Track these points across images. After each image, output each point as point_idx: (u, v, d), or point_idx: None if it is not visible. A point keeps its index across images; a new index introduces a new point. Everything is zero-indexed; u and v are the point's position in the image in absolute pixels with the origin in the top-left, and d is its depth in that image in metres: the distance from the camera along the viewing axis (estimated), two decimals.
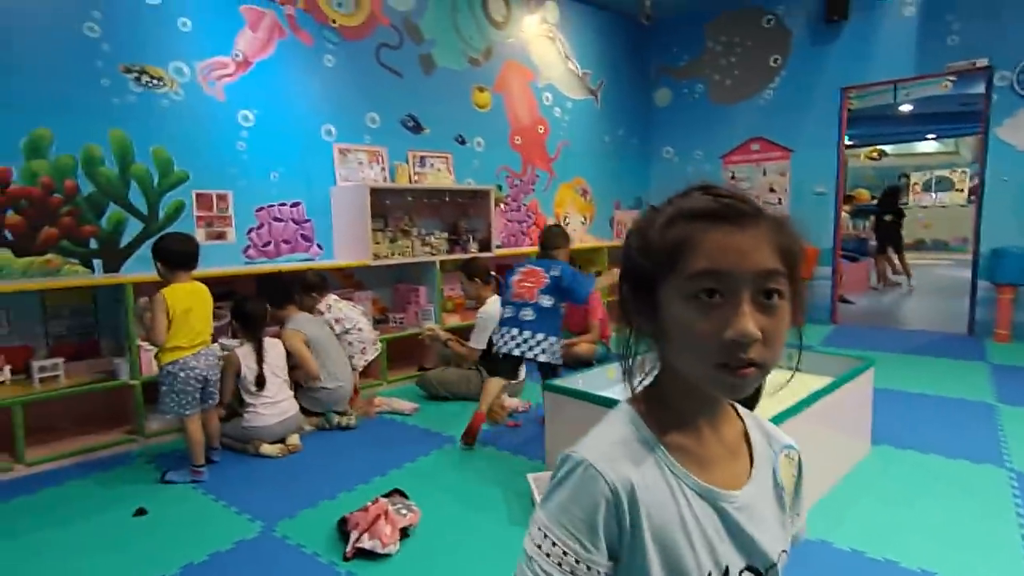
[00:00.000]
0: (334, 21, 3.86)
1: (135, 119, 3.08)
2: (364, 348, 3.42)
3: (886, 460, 2.58)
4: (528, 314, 2.88)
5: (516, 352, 2.87)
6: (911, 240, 11.84)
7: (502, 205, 5.00)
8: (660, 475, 0.59)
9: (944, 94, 8.55)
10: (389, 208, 4.17)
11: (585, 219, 5.88)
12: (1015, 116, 4.64)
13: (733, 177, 6.04)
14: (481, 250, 4.39)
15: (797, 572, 1.76)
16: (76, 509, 2.32)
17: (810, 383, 2.45)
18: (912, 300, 7.05)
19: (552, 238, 3.16)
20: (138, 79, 3.09)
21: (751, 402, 0.72)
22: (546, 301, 2.89)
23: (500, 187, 4.96)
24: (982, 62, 4.71)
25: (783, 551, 0.66)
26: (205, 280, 2.66)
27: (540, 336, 2.86)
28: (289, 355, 3.02)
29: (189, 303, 2.47)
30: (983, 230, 4.83)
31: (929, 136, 12.28)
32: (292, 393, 2.99)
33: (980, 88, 4.94)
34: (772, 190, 5.84)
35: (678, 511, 0.58)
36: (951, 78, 5.21)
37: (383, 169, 4.16)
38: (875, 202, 12.54)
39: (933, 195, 12.67)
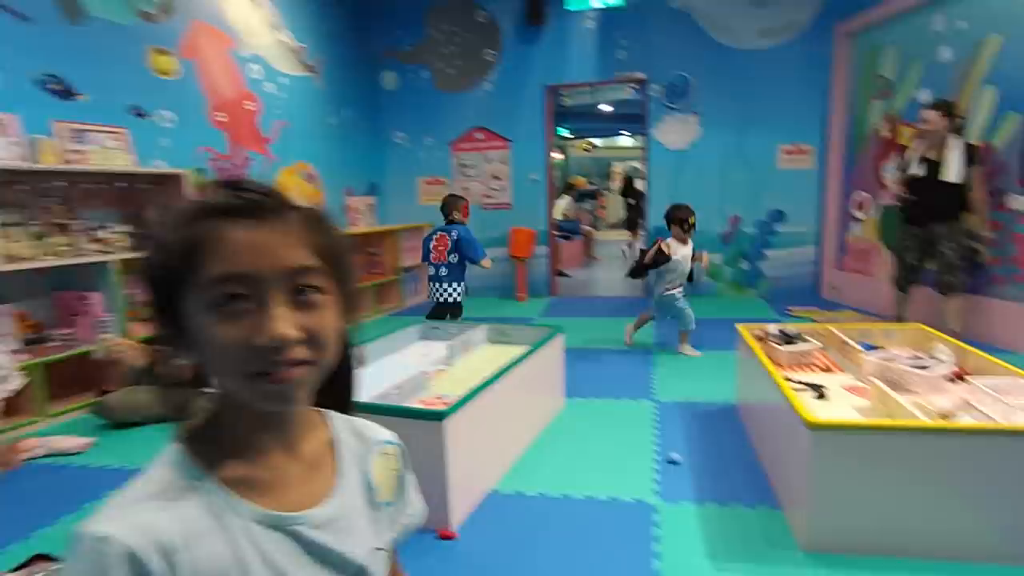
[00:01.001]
0: None
1: None
2: None
3: (576, 410, 3.09)
4: (443, 271, 4.00)
5: (440, 299, 4.00)
6: (617, 220, 14.12)
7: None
8: (210, 518, 0.52)
9: (630, 98, 10.28)
10: (30, 196, 3.17)
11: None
12: (664, 122, 5.88)
13: (461, 164, 6.45)
14: None
15: (489, 528, 2.06)
16: None
17: (512, 352, 2.80)
18: (607, 271, 8.40)
19: (446, 206, 4.15)
20: None
21: (343, 403, 0.70)
22: (453, 259, 3.98)
23: (201, 170, 4.19)
24: (641, 75, 5.84)
25: (377, 548, 0.64)
26: None
27: (448, 285, 4.01)
28: None
29: None
30: (650, 211, 6.03)
31: (624, 132, 14.65)
32: None
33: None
34: (496, 177, 6.40)
35: (235, 554, 0.52)
36: (634, 85, 6.27)
37: (17, 144, 3.05)
38: (591, 188, 14.59)
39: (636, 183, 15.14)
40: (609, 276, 7.91)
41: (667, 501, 2.15)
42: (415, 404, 2.33)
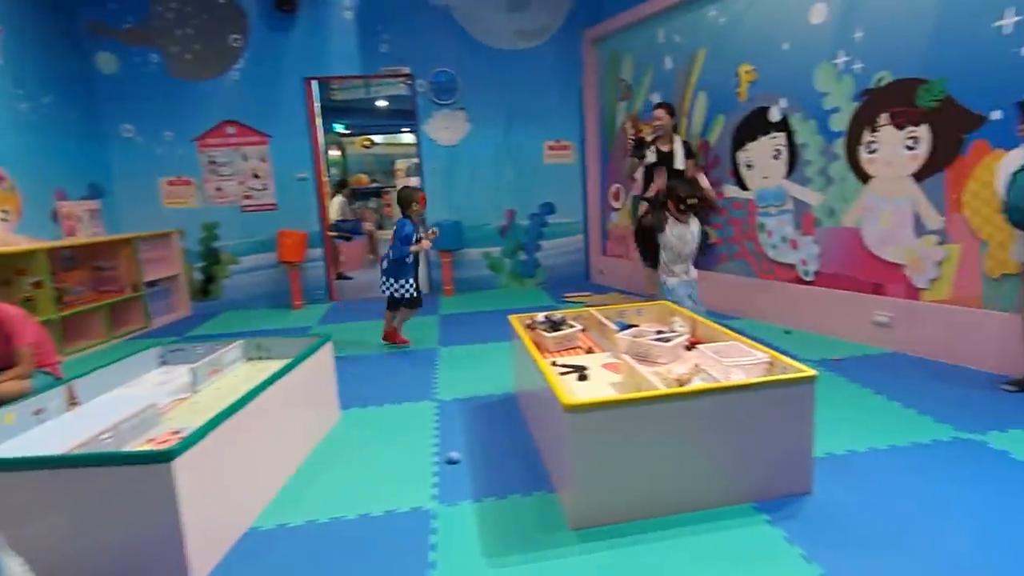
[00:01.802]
0: None
1: None
2: None
3: (352, 421, 2.87)
4: (383, 264, 4.00)
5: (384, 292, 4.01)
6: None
7: None
8: None
9: (404, 94, 10.14)
10: None
11: (7, 213, 4.36)
12: (433, 117, 5.88)
13: (211, 162, 5.69)
14: None
15: (243, 574, 1.77)
16: None
17: (273, 368, 2.48)
18: None
19: (401, 200, 4.01)
20: None
21: None
22: (392, 253, 3.90)
23: None
24: (406, 70, 5.74)
25: None
26: None
27: (388, 279, 3.95)
28: None
29: None
30: (427, 208, 5.95)
31: (404, 129, 14.49)
32: None
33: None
34: (257, 176, 5.77)
35: None
36: (407, 80, 6.08)
37: None
38: (375, 185, 14.18)
39: (413, 179, 14.96)
40: None
41: (446, 504, 2.06)
42: (144, 445, 1.94)
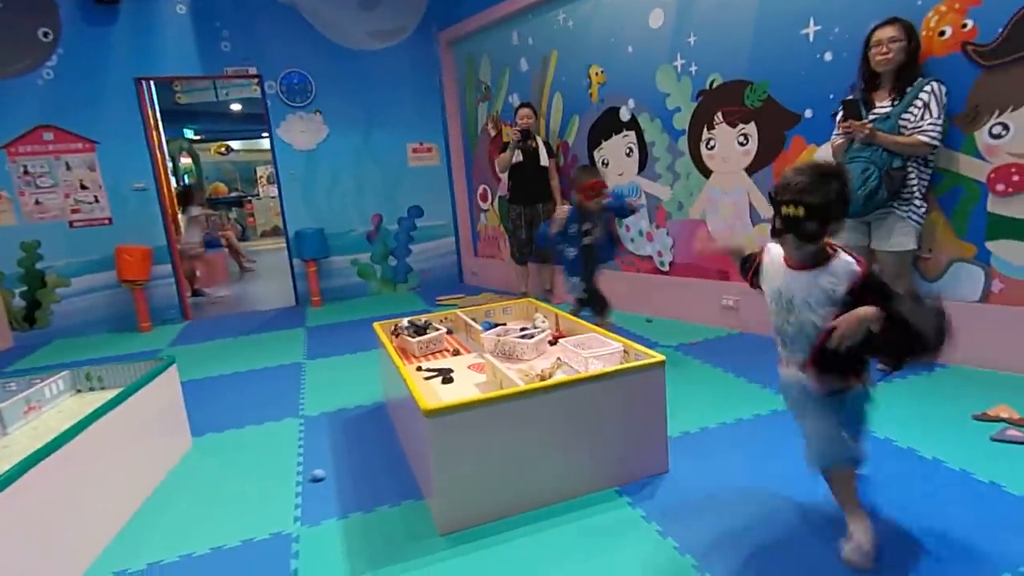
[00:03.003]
0: None
1: None
2: None
3: (206, 449, 2.64)
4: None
5: None
6: (269, 227, 13.11)
7: None
8: None
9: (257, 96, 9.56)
10: None
11: None
12: (287, 120, 5.59)
13: (26, 172, 4.98)
14: None
15: None
16: None
17: (106, 398, 2.21)
18: (260, 282, 7.71)
19: None
20: None
21: None
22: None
23: None
24: (253, 70, 5.40)
25: None
26: None
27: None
28: None
29: None
30: (287, 217, 5.68)
31: (264, 134, 13.64)
32: None
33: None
34: (84, 187, 5.14)
35: None
36: (256, 82, 5.67)
37: None
38: (234, 194, 13.23)
39: (275, 186, 14.18)
40: (263, 288, 7.23)
41: (309, 525, 1.96)
42: None
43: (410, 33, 5.82)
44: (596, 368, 2.09)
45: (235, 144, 13.94)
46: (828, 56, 3.10)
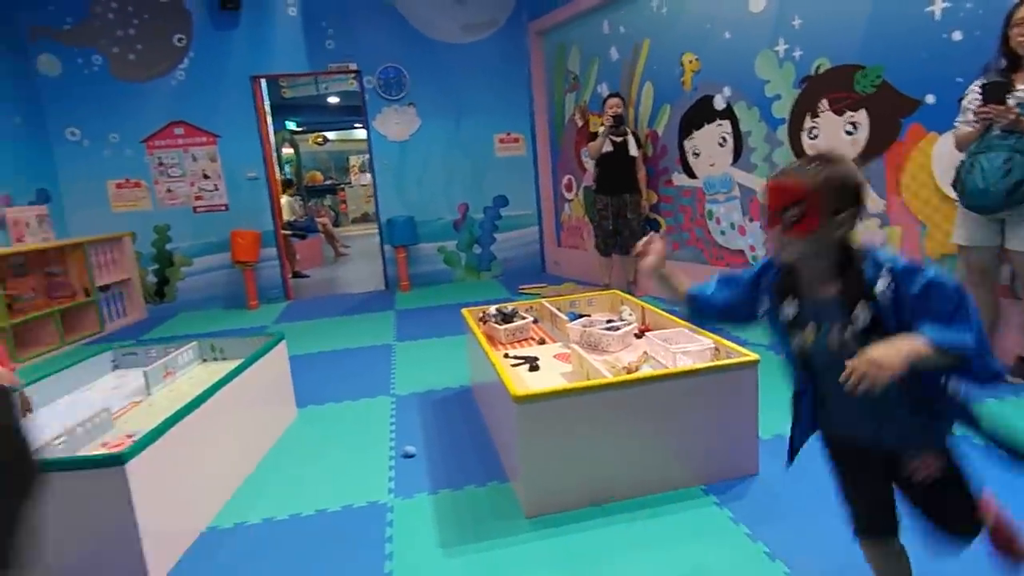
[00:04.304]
0: None
1: None
2: None
3: (309, 419, 2.87)
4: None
5: None
6: (359, 213, 13.76)
7: None
8: None
9: (355, 89, 10.00)
10: None
11: None
12: (383, 113, 5.85)
13: (160, 163, 5.54)
14: None
15: (203, 573, 1.79)
16: None
17: (227, 368, 2.47)
18: (352, 267, 8.14)
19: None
20: None
21: None
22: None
23: None
24: (353, 66, 5.70)
25: None
26: None
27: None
28: None
29: None
30: (380, 205, 5.97)
31: (357, 125, 14.28)
32: None
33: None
34: (207, 176, 5.65)
35: None
36: (355, 76, 5.99)
37: None
38: (329, 182, 13.96)
39: (367, 175, 14.75)
40: (356, 272, 7.64)
41: (402, 497, 2.10)
42: (98, 449, 1.95)
43: (501, 25, 5.91)
44: (685, 364, 2.09)
45: (330, 135, 14.67)
46: (957, 35, 2.83)
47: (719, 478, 2.02)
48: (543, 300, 3.14)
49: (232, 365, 2.53)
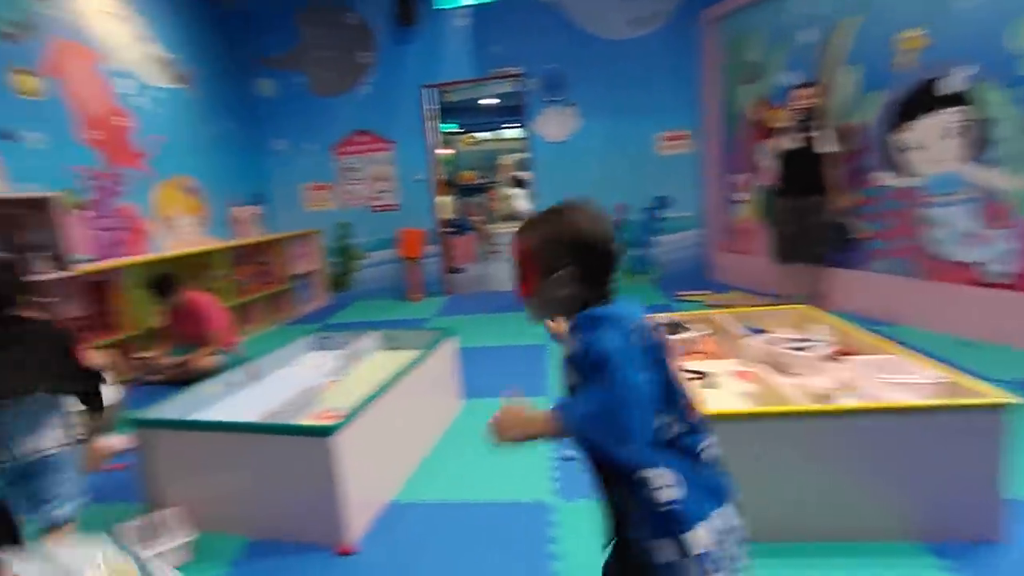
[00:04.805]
0: None
1: None
2: None
3: (474, 412, 3.03)
4: None
5: None
6: (506, 212, 14.19)
7: (82, 212, 4.03)
8: None
9: (513, 90, 10.32)
10: None
11: (198, 220, 5.28)
12: (543, 114, 5.97)
13: (346, 168, 6.23)
14: (58, 268, 3.46)
15: (390, 540, 1.97)
16: None
17: (404, 358, 2.70)
18: (504, 264, 8.41)
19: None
20: None
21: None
22: None
23: (74, 191, 3.99)
24: (516, 70, 5.89)
25: None
26: None
27: None
28: None
29: None
30: (537, 205, 6.11)
31: (508, 125, 14.71)
32: None
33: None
34: (383, 179, 6.21)
35: None
36: (517, 79, 6.18)
37: None
38: (480, 181, 14.54)
39: (519, 175, 15.07)
40: (507, 269, 7.89)
41: (565, 499, 2.16)
42: (306, 420, 2.24)
43: (669, 16, 5.71)
44: (902, 399, 1.81)
45: (482, 135, 15.26)
46: None
47: (946, 538, 1.73)
48: (713, 311, 2.99)
49: (407, 354, 2.77)
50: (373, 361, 3.02)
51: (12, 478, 1.68)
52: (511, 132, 15.20)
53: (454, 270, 7.50)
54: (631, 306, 1.03)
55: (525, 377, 3.47)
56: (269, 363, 2.88)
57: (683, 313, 3.04)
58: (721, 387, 2.27)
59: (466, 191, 13.43)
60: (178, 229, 5.00)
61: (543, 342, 4.21)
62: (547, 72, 5.88)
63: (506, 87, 10.68)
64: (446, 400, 2.97)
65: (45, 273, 3.39)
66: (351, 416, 1.99)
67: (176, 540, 1.93)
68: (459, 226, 8.61)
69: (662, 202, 6.06)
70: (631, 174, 6.00)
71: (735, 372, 2.39)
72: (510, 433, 0.98)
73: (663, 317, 2.92)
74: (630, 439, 0.89)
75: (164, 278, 3.79)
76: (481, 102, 12.63)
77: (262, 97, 6.23)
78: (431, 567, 1.84)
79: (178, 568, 1.86)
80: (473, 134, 14.84)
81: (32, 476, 1.68)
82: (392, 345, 3.20)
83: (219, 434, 2.02)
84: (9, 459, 1.65)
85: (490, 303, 5.72)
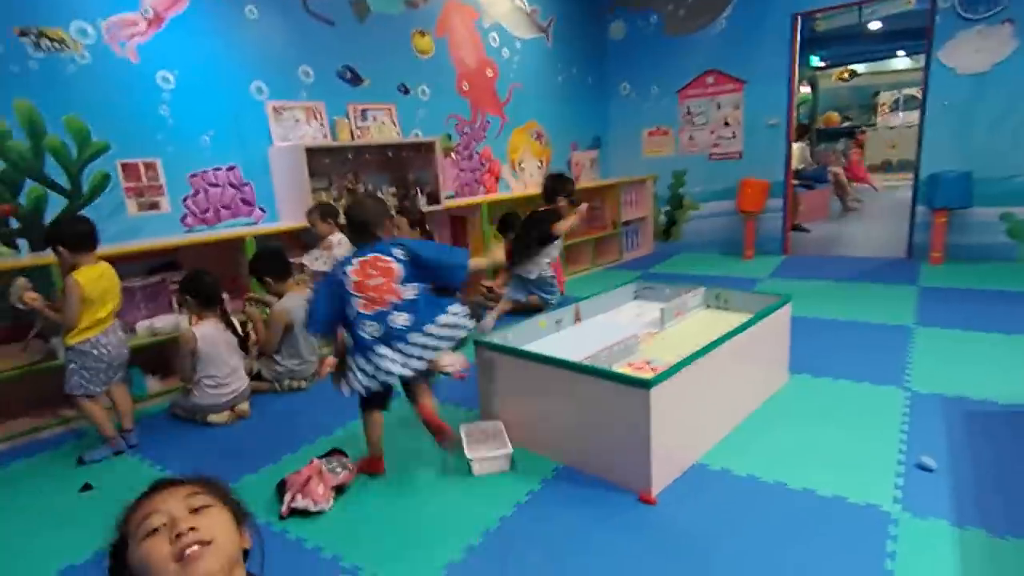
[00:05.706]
0: None
1: (40, 87, 2.93)
2: None
3: (801, 388, 2.73)
4: (400, 319, 2.06)
5: (402, 373, 2.06)
6: (878, 161, 11.89)
7: (452, 155, 4.94)
8: None
9: (911, 9, 8.41)
10: (332, 166, 4.07)
11: (541, 163, 5.79)
12: (956, 39, 4.61)
13: (688, 112, 6.00)
14: (430, 203, 4.37)
15: (690, 500, 1.95)
16: (23, 489, 2.39)
17: (729, 319, 2.57)
18: (862, 225, 7.14)
19: (365, 214, 2.18)
20: (36, 43, 2.93)
21: None
22: (410, 292, 2.10)
23: (449, 136, 4.88)
24: None
25: None
26: (143, 252, 2.95)
27: (421, 336, 2.08)
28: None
29: (103, 285, 2.50)
30: (924, 155, 4.91)
31: (900, 53, 12.08)
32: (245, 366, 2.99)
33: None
34: (727, 123, 5.82)
35: None
36: None
37: (322, 126, 4.03)
38: (846, 124, 12.50)
39: (900, 114, 12.45)
40: (867, 232, 6.71)
41: (912, 514, 1.79)
42: (624, 368, 2.32)
43: None
44: None
45: (858, 67, 12.84)
46: None
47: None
48: None
49: (735, 316, 2.60)
50: (697, 318, 2.93)
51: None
52: (899, 62, 12.49)
53: (797, 227, 6.72)
54: None
55: (874, 362, 2.94)
56: (591, 307, 3.05)
57: None
58: None
59: (824, 136, 11.69)
60: (524, 172, 5.59)
61: (907, 323, 3.49)
62: None
63: (895, 7, 8.73)
64: (771, 371, 2.73)
65: (425, 206, 4.24)
66: (672, 371, 1.99)
67: (500, 450, 2.24)
68: (812, 178, 7.60)
69: None
70: None
71: None
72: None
73: None
74: None
75: (507, 216, 4.37)
76: (868, 27, 10.49)
77: (612, 41, 6.31)
78: (730, 539, 1.75)
79: (497, 475, 2.18)
80: (849, 67, 12.62)
81: None
82: (718, 304, 3.06)
83: (549, 368, 2.22)
84: None
85: (836, 269, 4.96)
